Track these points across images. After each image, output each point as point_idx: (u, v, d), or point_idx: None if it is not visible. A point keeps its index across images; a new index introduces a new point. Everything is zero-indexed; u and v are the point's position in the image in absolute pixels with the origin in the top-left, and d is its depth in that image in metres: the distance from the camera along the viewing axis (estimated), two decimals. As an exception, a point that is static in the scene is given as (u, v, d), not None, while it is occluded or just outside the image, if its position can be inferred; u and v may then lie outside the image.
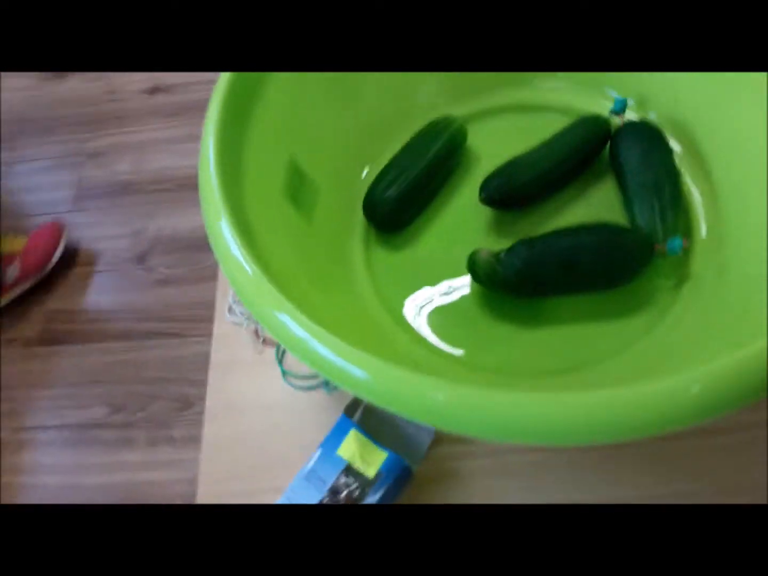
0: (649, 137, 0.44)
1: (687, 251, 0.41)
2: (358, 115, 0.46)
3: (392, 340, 0.40)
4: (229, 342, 0.45)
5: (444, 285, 0.43)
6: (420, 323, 0.41)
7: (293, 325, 0.28)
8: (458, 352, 0.40)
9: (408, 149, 0.46)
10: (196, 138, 1.35)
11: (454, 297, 0.42)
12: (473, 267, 0.41)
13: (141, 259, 1.14)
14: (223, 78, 0.36)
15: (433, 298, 0.43)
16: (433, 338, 0.41)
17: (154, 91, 1.44)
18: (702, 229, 0.42)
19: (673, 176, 0.42)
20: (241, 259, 0.30)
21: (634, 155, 0.43)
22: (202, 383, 0.45)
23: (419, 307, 0.42)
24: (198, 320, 1.05)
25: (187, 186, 1.25)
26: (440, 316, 0.42)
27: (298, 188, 0.40)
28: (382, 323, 0.41)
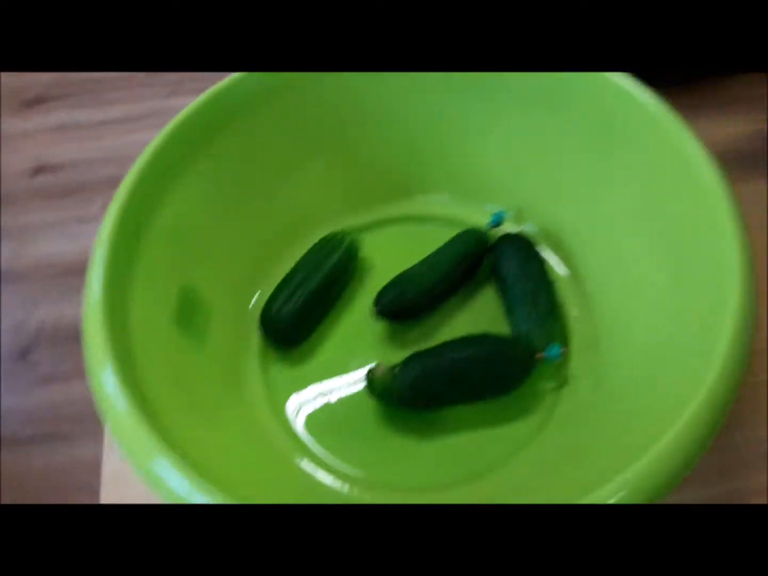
0: (525, 248, 0.47)
1: (565, 356, 0.44)
2: (250, 234, 0.47)
3: (288, 464, 0.40)
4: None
5: (341, 400, 0.44)
6: (318, 442, 0.42)
7: (173, 478, 0.27)
8: (356, 471, 0.40)
9: (303, 265, 0.47)
10: (83, 220, 1.30)
11: (352, 413, 0.43)
12: (371, 383, 0.42)
13: (23, 353, 1.07)
14: (108, 222, 0.36)
15: (331, 415, 0.43)
16: (330, 459, 0.41)
17: (37, 171, 1.39)
18: (578, 333, 0.45)
19: (548, 285, 0.46)
20: (126, 413, 0.29)
21: (512, 266, 0.46)
22: (94, 490, 0.42)
23: (318, 425, 0.43)
24: (88, 420, 0.99)
25: (74, 272, 1.19)
26: (338, 434, 0.42)
27: (189, 316, 0.40)
28: (279, 446, 0.41)
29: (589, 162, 0.44)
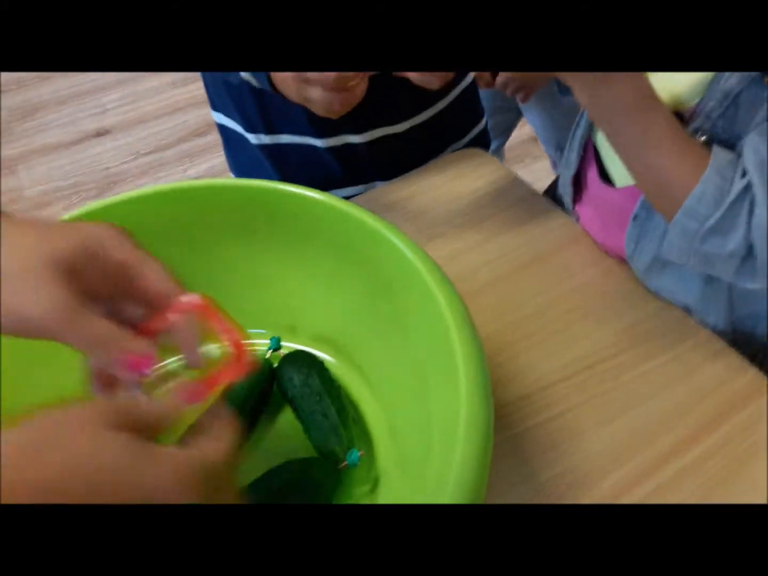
0: (306, 363, 0.49)
1: (370, 454, 0.45)
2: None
3: None
4: None
5: None
6: None
7: None
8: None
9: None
10: None
11: None
12: None
13: None
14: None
15: None
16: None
17: None
18: (378, 426, 0.47)
19: (334, 391, 0.47)
20: None
21: (296, 386, 0.47)
22: None
23: None
24: None
25: None
26: None
27: None
28: None
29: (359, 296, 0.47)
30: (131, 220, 0.37)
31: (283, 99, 0.64)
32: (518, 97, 0.70)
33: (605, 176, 0.58)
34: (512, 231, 0.61)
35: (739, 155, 0.44)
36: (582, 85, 0.44)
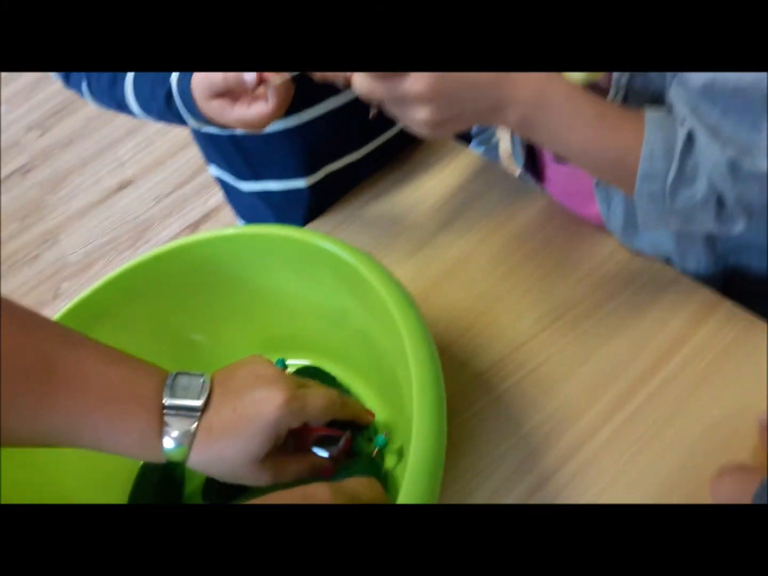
0: (313, 375, 0.55)
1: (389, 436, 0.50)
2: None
3: None
4: None
5: None
6: None
7: None
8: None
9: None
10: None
11: None
12: None
13: None
14: None
15: None
16: None
17: None
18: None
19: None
20: None
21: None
22: None
23: None
24: None
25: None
26: None
27: None
28: None
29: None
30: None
31: (263, 144, 0.69)
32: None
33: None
34: (474, 206, 0.66)
35: (669, 109, 0.45)
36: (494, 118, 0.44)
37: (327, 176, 0.74)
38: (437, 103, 0.40)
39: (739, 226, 0.45)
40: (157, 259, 0.53)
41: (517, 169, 0.72)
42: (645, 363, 0.51)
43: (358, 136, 0.74)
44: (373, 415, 0.49)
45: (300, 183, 0.74)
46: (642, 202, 0.45)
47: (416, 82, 0.39)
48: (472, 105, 0.42)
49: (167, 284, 0.55)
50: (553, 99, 0.43)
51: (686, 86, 0.42)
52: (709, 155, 0.42)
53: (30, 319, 0.39)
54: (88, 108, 2.17)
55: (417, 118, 0.42)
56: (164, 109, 0.59)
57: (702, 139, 0.42)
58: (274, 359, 0.57)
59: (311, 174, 0.74)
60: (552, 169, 0.63)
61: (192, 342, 0.58)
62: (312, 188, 0.74)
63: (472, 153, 0.72)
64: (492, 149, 1.43)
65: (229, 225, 1.70)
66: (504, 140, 1.42)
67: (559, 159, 0.53)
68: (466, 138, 0.83)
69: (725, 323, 0.51)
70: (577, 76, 0.45)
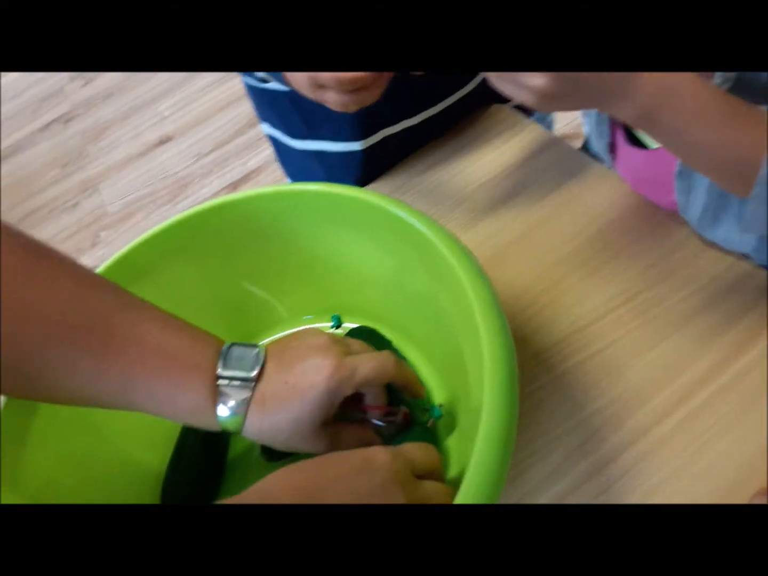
0: (369, 336, 0.54)
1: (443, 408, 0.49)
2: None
3: None
4: None
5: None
6: None
7: None
8: None
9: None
10: None
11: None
12: None
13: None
14: None
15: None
16: None
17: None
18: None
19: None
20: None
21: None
22: None
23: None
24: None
25: None
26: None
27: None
28: None
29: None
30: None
31: (322, 106, 0.68)
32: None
33: (633, 140, 0.58)
34: (538, 180, 0.64)
35: None
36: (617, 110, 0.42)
37: (383, 140, 0.73)
38: (559, 75, 0.38)
39: None
40: (207, 213, 0.52)
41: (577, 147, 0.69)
42: (714, 357, 0.48)
43: (417, 101, 0.72)
44: (424, 391, 0.47)
45: (355, 145, 0.72)
46: (756, 204, 0.42)
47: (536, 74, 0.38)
48: (593, 87, 0.40)
49: (219, 240, 0.53)
50: (680, 96, 0.40)
51: None
52: None
53: (89, 279, 0.39)
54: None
55: (531, 83, 0.39)
56: None
57: None
58: (331, 317, 0.56)
59: (367, 137, 0.72)
60: (625, 153, 0.60)
61: (241, 300, 0.57)
62: (367, 151, 0.73)
63: (537, 127, 0.69)
64: (547, 125, 1.40)
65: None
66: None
67: (679, 158, 0.49)
68: (527, 111, 0.81)
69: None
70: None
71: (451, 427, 0.47)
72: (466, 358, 0.44)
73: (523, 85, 0.40)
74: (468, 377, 0.43)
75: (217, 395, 0.38)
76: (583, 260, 0.56)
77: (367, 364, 0.40)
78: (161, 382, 0.38)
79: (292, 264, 0.56)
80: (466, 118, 0.73)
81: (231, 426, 0.39)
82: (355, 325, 0.56)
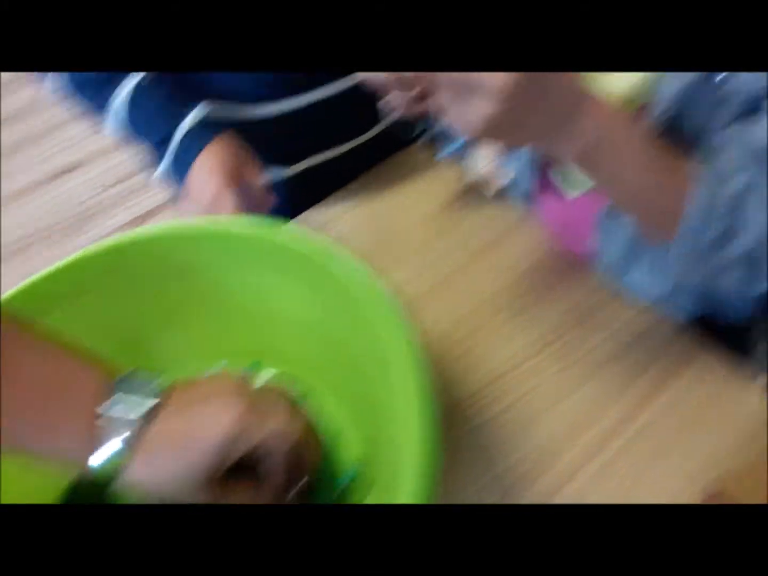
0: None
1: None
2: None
3: None
4: None
5: None
6: None
7: None
8: None
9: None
10: None
11: None
12: None
13: None
14: None
15: None
16: None
17: None
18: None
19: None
20: None
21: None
22: None
23: None
24: None
25: None
26: None
27: None
28: None
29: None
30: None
31: (246, 131, 0.67)
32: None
33: (552, 188, 0.59)
34: (461, 223, 0.64)
35: (709, 158, 0.43)
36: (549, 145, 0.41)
37: (308, 170, 0.72)
38: (508, 103, 0.36)
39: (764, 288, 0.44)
40: (109, 252, 0.49)
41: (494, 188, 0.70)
42: (623, 407, 0.49)
43: (341, 131, 0.72)
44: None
45: (279, 173, 0.72)
46: (679, 251, 0.43)
47: (497, 73, 0.36)
48: (540, 118, 0.39)
49: (127, 278, 0.50)
50: (619, 133, 0.41)
51: (751, 138, 0.41)
52: (761, 215, 0.41)
53: None
54: (39, 84, 2.06)
55: (479, 111, 0.37)
56: (154, 144, 0.60)
57: (756, 196, 0.41)
58: (242, 366, 0.53)
59: (292, 165, 0.71)
60: (544, 199, 0.62)
61: (151, 342, 0.53)
62: (292, 181, 0.71)
63: (460, 170, 0.70)
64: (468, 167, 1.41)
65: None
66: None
67: (612, 204, 0.49)
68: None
69: (702, 374, 0.50)
70: (623, 90, 0.44)
71: (371, 479, 0.45)
72: (384, 408, 0.42)
73: (471, 110, 0.37)
74: (388, 428, 0.41)
75: (96, 434, 0.34)
76: (502, 306, 0.56)
77: (272, 424, 0.37)
78: (34, 415, 0.34)
79: (206, 305, 0.53)
80: (393, 156, 0.73)
81: (107, 471, 0.34)
82: (273, 371, 0.53)
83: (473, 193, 0.67)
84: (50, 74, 0.65)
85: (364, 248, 0.64)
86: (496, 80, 0.35)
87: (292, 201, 0.72)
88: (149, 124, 0.61)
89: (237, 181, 0.57)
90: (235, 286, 0.51)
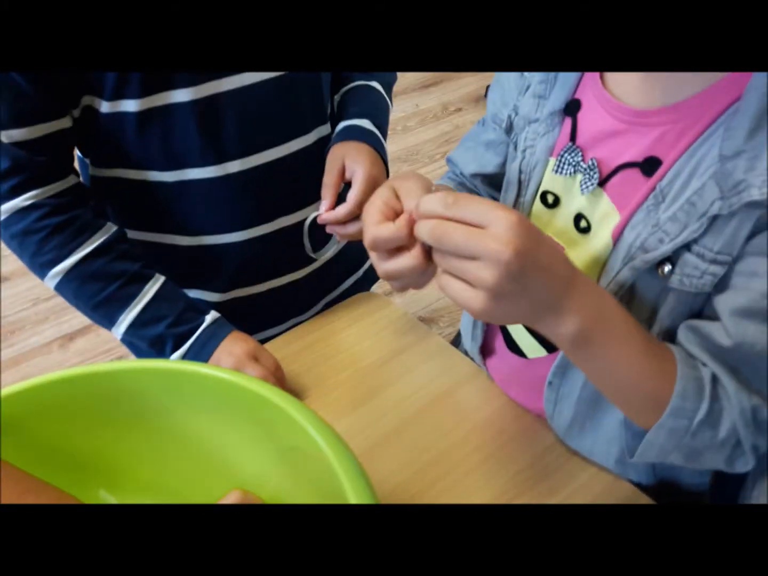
0: None
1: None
2: None
3: None
4: None
5: None
6: None
7: None
8: None
9: None
10: None
11: None
12: None
13: None
14: None
15: None
16: None
17: None
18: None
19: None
20: None
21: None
22: None
23: None
24: None
25: None
26: None
27: None
28: None
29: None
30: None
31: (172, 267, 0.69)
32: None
33: (511, 345, 0.59)
34: (413, 371, 0.64)
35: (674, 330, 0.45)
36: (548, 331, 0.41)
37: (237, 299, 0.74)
38: (510, 271, 0.35)
39: (746, 468, 0.44)
40: (45, 387, 0.44)
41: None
42: None
43: (277, 264, 0.74)
44: None
45: (211, 297, 0.74)
46: (658, 435, 0.44)
47: (501, 240, 0.35)
48: (538, 291, 0.38)
49: (62, 416, 0.46)
50: (611, 318, 0.42)
51: (708, 339, 0.43)
52: (737, 402, 0.42)
53: None
54: None
55: (481, 276, 0.36)
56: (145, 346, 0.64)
57: (730, 385, 0.42)
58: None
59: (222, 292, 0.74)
60: (502, 356, 0.62)
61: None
62: (221, 307, 0.72)
63: (412, 318, 0.71)
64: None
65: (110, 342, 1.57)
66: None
67: (599, 387, 0.48)
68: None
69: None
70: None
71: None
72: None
73: (473, 275, 0.37)
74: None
75: None
76: (456, 462, 0.55)
77: None
78: None
79: (140, 448, 0.48)
80: (345, 300, 0.74)
81: None
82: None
83: (429, 341, 0.67)
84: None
85: (319, 389, 0.63)
86: (498, 246, 0.35)
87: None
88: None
89: (255, 358, 0.61)
90: (184, 426, 0.47)
